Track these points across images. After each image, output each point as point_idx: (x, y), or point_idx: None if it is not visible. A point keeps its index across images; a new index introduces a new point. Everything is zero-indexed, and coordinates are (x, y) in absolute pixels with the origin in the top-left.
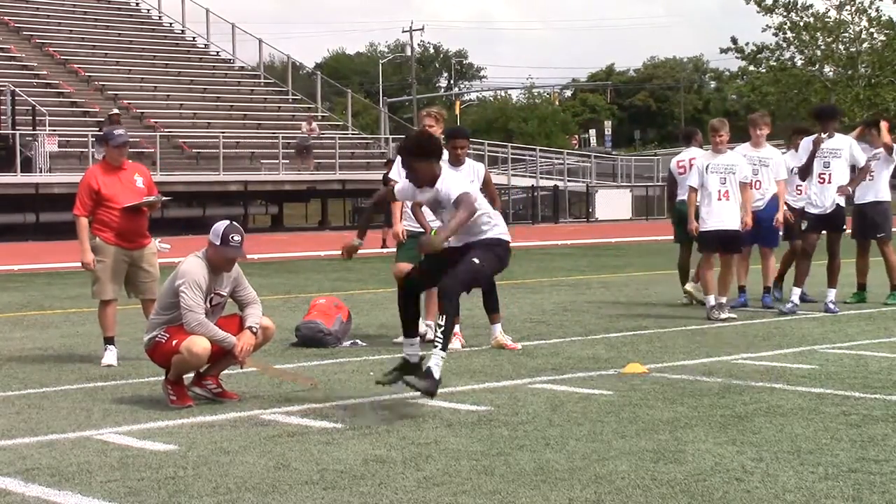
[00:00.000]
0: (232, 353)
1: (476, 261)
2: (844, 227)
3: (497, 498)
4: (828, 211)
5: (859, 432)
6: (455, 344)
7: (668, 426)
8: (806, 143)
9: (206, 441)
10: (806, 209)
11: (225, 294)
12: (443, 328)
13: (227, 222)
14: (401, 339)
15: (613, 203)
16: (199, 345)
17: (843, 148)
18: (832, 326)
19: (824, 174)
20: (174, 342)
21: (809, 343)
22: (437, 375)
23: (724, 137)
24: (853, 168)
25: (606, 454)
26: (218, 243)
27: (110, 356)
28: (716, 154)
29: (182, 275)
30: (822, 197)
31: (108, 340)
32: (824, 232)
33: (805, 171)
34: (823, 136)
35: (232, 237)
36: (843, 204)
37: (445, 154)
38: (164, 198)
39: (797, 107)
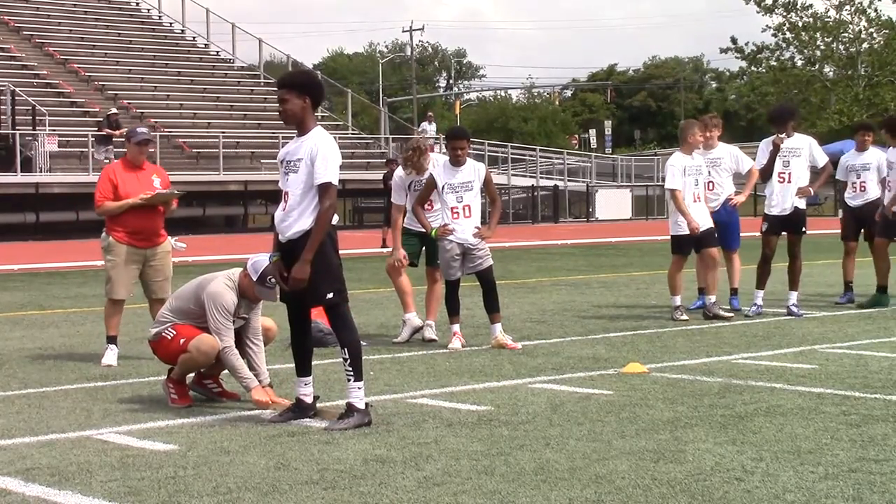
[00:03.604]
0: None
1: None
2: (804, 229)
3: (497, 498)
4: (787, 212)
5: (859, 432)
6: (455, 343)
7: (669, 426)
8: (765, 143)
9: (207, 441)
10: (766, 210)
11: (246, 317)
12: (350, 360)
13: (267, 262)
14: (400, 338)
15: (613, 203)
16: (207, 343)
17: (802, 147)
18: (832, 326)
19: (784, 173)
20: (181, 340)
21: (809, 343)
22: (361, 406)
23: (700, 139)
24: (813, 169)
25: (607, 454)
26: (255, 279)
27: (110, 356)
28: (688, 156)
29: (212, 297)
30: (781, 197)
31: (111, 340)
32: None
33: (766, 172)
34: (782, 136)
35: (269, 279)
36: (802, 206)
37: (444, 158)
38: (176, 192)
39: (797, 107)
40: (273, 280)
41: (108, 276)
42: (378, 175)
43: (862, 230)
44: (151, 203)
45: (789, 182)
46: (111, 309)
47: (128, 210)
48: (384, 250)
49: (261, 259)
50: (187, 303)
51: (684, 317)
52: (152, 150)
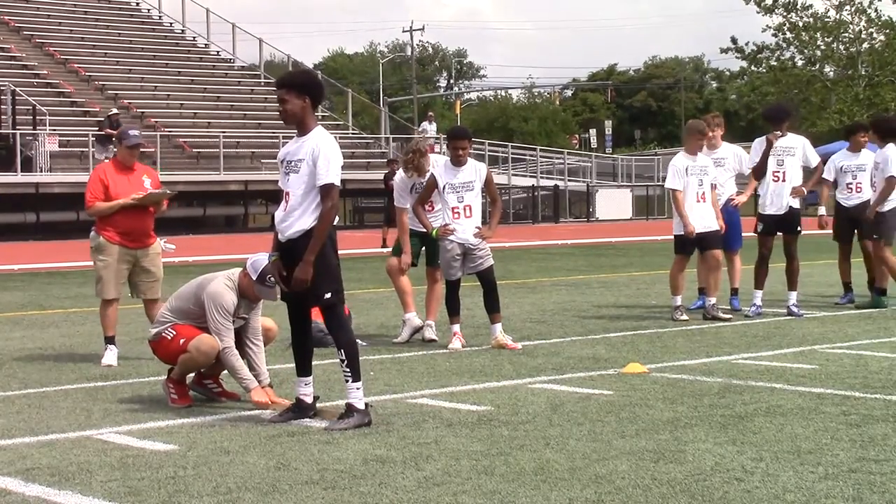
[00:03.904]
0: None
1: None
2: (800, 228)
3: (497, 498)
4: (782, 211)
5: (859, 432)
6: (455, 343)
7: (669, 426)
8: (759, 142)
9: (207, 441)
10: (760, 210)
11: (246, 317)
12: (347, 361)
13: (267, 261)
14: (400, 339)
15: (614, 203)
16: (207, 343)
17: (796, 147)
18: (832, 326)
19: (778, 172)
20: (181, 341)
21: (809, 343)
22: (361, 406)
23: (703, 140)
24: (805, 169)
25: (606, 454)
26: (255, 278)
27: (110, 356)
28: (692, 156)
29: (212, 297)
30: (776, 196)
31: (109, 340)
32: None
33: (759, 171)
34: (778, 133)
35: (269, 278)
36: (797, 206)
37: (445, 158)
38: (168, 191)
39: (797, 106)
40: (273, 279)
41: (99, 276)
42: (378, 175)
43: (856, 231)
44: (143, 203)
45: (784, 181)
46: (106, 310)
47: (119, 210)
48: (384, 250)
49: (260, 258)
50: (187, 303)
51: (684, 317)
52: (152, 149)
